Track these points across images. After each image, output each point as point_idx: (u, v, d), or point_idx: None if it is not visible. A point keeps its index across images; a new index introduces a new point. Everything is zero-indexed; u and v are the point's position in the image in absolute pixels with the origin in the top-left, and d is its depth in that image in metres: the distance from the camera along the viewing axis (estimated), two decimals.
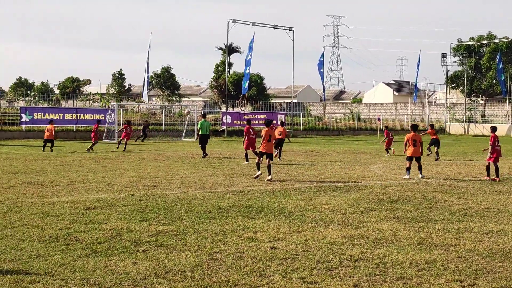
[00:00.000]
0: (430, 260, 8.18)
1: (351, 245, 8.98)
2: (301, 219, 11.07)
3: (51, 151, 27.55)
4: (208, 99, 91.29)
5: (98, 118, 35.94)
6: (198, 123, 27.75)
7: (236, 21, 50.31)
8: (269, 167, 17.27)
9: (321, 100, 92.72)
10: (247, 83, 51.29)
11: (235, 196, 13.77)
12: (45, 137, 28.61)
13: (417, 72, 69.18)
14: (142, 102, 60.86)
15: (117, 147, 31.02)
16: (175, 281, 7.11)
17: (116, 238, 9.15)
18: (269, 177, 17.03)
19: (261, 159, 17.68)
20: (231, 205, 12.49)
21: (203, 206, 12.31)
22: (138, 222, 10.42)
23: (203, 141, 25.99)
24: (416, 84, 71.31)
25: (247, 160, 22.36)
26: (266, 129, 17.95)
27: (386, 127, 32.49)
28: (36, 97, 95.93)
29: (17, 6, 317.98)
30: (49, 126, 28.72)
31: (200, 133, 26.44)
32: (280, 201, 13.10)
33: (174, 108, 63.54)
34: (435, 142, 27.14)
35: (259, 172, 17.46)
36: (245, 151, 22.57)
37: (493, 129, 19.08)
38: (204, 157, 24.95)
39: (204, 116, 28.15)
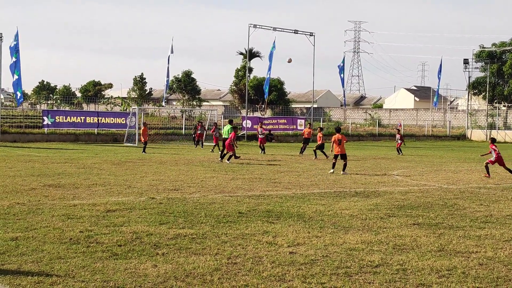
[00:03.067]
0: (450, 267, 8.12)
1: (371, 251, 8.93)
2: (321, 224, 11.04)
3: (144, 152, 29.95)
4: (229, 104, 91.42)
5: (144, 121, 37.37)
6: (223, 128, 28.67)
7: (257, 26, 50.39)
8: (344, 165, 21.11)
9: (341, 106, 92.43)
10: (267, 88, 51.29)
11: (254, 201, 13.77)
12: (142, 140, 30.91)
13: (439, 78, 68.61)
14: (163, 106, 61.16)
15: (201, 147, 36.13)
16: (194, 284, 7.13)
17: (136, 241, 9.20)
18: (342, 172, 20.74)
19: (336, 160, 21.23)
20: (250, 209, 12.50)
21: (223, 210, 12.33)
22: (158, 225, 10.46)
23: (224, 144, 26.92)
24: (437, 90, 70.80)
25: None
26: (336, 134, 21.60)
27: (398, 130, 37.33)
28: (58, 101, 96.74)
29: (40, 12, 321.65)
30: (143, 128, 31.21)
31: (224, 137, 27.39)
32: (300, 206, 13.08)
33: (194, 112, 63.74)
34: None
35: (332, 170, 20.98)
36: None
37: (493, 140, 21.67)
38: (229, 159, 25.57)
39: (230, 122, 29.18)
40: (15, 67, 39.03)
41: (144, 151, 30.45)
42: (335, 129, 23.52)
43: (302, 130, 53.42)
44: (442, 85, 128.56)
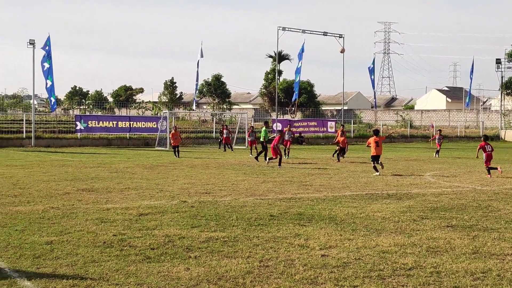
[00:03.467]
0: (485, 270, 8.00)
1: (404, 254, 8.86)
2: (353, 226, 10.98)
3: (178, 156, 29.88)
4: (258, 107, 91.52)
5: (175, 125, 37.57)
6: (262, 131, 28.86)
7: (286, 29, 50.35)
8: (381, 164, 21.89)
9: (372, 107, 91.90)
10: (297, 90, 51.24)
11: (286, 203, 13.76)
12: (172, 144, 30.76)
13: (471, 78, 67.79)
14: (193, 110, 61.49)
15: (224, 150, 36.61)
16: (226, 287, 7.15)
17: (169, 244, 9.26)
18: (377, 173, 21.21)
19: (375, 161, 21.81)
20: (282, 212, 12.49)
21: (254, 213, 12.34)
22: (190, 229, 10.52)
23: (264, 147, 27.61)
24: (469, 90, 69.94)
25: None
26: (374, 137, 22.23)
27: (440, 130, 36.18)
28: (91, 106, 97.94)
29: (72, 17, 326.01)
30: (173, 132, 31.07)
31: (261, 139, 28.06)
32: (331, 209, 13.03)
33: (224, 116, 63.97)
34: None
35: (378, 173, 21.26)
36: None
37: (485, 137, 22.38)
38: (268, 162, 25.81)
39: (265, 123, 29.96)
40: (48, 73, 39.65)
41: (177, 155, 30.09)
42: (373, 131, 23.40)
43: (333, 132, 53.34)
44: (474, 85, 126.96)
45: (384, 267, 8.09)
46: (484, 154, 21.31)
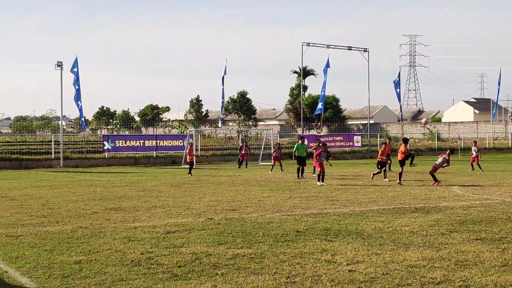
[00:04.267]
0: None
1: (433, 268, 8.77)
2: (380, 241, 10.91)
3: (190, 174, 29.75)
4: (284, 122, 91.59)
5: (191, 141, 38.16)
6: (294, 146, 28.59)
7: (310, 44, 50.49)
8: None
9: (398, 121, 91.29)
10: (320, 105, 51.19)
11: (312, 219, 13.72)
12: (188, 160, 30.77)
13: (498, 89, 67.03)
14: (219, 127, 61.76)
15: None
16: None
17: (196, 262, 9.29)
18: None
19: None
20: (308, 227, 12.46)
21: (281, 229, 12.33)
22: (217, 246, 10.54)
23: (300, 162, 27.18)
24: (496, 101, 69.16)
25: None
26: (404, 144, 23.57)
27: (475, 142, 35.16)
28: (118, 125, 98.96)
29: (99, 38, 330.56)
30: (190, 149, 31.31)
31: (296, 154, 27.51)
32: (358, 224, 12.96)
33: (250, 132, 64.10)
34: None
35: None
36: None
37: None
38: (300, 178, 25.81)
39: (301, 138, 29.44)
40: (78, 95, 40.18)
41: (190, 172, 29.97)
42: (403, 140, 24.26)
43: (359, 146, 53.09)
44: (502, 96, 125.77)
45: (412, 281, 8.02)
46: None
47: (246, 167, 36.95)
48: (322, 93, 52.22)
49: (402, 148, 23.80)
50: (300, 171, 26.95)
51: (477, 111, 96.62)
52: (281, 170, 32.19)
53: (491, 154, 55.84)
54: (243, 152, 37.77)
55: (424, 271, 8.56)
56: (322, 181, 22.92)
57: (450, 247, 10.26)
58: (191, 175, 29.51)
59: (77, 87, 39.94)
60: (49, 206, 16.70)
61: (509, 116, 78.67)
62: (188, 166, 30.73)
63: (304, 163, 27.41)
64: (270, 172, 31.59)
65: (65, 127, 65.18)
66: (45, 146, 43.39)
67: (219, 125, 56.70)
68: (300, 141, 28.71)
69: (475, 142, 35.43)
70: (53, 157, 39.84)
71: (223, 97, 48.57)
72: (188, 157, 31.06)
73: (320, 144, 26.15)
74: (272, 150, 35.88)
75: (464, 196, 18.61)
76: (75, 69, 39.86)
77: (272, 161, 33.70)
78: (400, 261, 9.24)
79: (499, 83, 66.81)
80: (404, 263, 9.10)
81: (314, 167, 29.82)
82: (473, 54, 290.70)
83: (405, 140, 23.60)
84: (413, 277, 8.26)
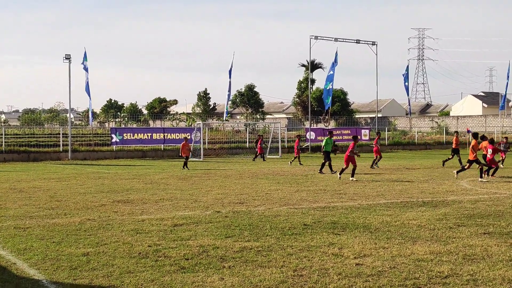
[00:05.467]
0: None
1: (440, 262, 8.75)
2: (388, 235, 10.89)
3: (185, 167, 29.32)
4: (292, 116, 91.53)
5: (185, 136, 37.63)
6: (323, 140, 27.85)
7: (318, 38, 50.35)
8: (480, 170, 21.67)
9: (406, 114, 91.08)
10: (330, 99, 51.03)
11: (319, 212, 13.72)
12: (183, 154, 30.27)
13: (507, 83, 66.66)
14: (227, 120, 61.76)
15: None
16: None
17: (203, 254, 9.31)
18: (480, 179, 21.23)
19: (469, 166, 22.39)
20: (315, 221, 12.46)
21: (288, 222, 12.33)
22: (224, 239, 10.56)
23: (328, 157, 26.32)
24: (505, 95, 68.79)
25: None
26: (474, 141, 22.21)
27: (506, 138, 33.34)
28: (126, 118, 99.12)
29: (107, 32, 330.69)
30: (184, 143, 30.66)
31: (324, 149, 26.79)
32: (366, 217, 12.95)
33: (258, 126, 64.09)
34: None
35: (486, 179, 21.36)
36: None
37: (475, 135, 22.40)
38: (333, 173, 25.09)
39: (330, 133, 28.74)
40: (87, 89, 40.46)
41: (184, 166, 29.59)
42: (481, 137, 23.06)
43: (366, 140, 52.98)
44: (511, 89, 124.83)
45: (419, 275, 8.01)
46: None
47: (264, 159, 37.28)
48: (328, 86, 51.81)
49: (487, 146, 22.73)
50: (329, 166, 26.01)
51: (485, 105, 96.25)
52: (300, 163, 32.31)
53: None
54: (260, 145, 37.88)
55: (431, 265, 8.54)
56: (352, 176, 22.05)
57: (457, 241, 10.23)
58: (187, 168, 29.12)
59: (86, 80, 40.10)
60: (57, 198, 16.77)
61: None
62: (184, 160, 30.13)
63: (330, 158, 26.41)
64: (300, 164, 31.74)
65: (73, 120, 65.41)
66: (53, 139, 43.56)
67: (224, 117, 56.58)
68: (329, 136, 27.96)
69: (506, 138, 33.49)
70: (61, 149, 39.97)
71: (229, 90, 48.52)
72: (181, 151, 30.43)
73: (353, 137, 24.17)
74: (295, 143, 35.13)
75: (472, 190, 18.55)
76: (85, 62, 39.97)
77: (296, 153, 33.25)
78: (408, 255, 9.22)
79: (508, 76, 66.43)
80: (411, 257, 9.08)
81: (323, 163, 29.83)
82: (482, 48, 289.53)
83: (491, 140, 22.30)
84: (420, 271, 8.24)
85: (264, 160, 37.11)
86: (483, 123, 75.74)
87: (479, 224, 12.03)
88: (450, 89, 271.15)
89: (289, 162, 33.00)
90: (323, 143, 27.57)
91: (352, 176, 22.13)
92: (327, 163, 26.03)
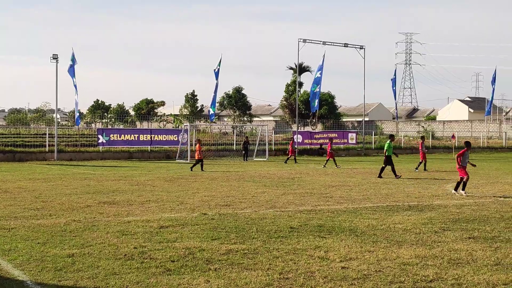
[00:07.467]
0: (507, 281, 7.92)
1: (425, 266, 8.79)
2: (373, 238, 10.93)
3: (202, 169, 29.13)
4: (279, 119, 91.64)
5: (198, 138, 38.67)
6: (385, 144, 26.63)
7: (307, 41, 50.42)
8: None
9: (393, 118, 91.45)
10: (316, 102, 51.09)
11: (306, 215, 13.73)
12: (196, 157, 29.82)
13: (493, 88, 67.02)
14: (214, 122, 61.68)
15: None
16: None
17: (189, 257, 9.29)
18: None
19: None
20: (302, 224, 12.47)
21: (274, 225, 12.34)
22: (210, 241, 10.54)
23: (390, 162, 25.65)
24: (491, 100, 69.17)
25: None
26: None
27: (423, 137, 34.79)
28: (113, 119, 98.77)
29: (95, 32, 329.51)
30: (197, 146, 30.21)
31: (387, 154, 25.92)
32: (352, 220, 12.98)
33: (245, 128, 64.08)
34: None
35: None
36: None
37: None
38: (398, 177, 24.70)
39: (391, 137, 28.04)
40: (75, 89, 40.28)
41: (202, 168, 29.36)
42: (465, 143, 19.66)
43: (353, 143, 53.18)
44: (497, 95, 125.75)
45: (405, 279, 8.04)
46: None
47: (247, 160, 39.62)
48: (316, 88, 51.82)
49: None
50: (392, 170, 25.35)
51: (472, 110, 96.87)
52: (337, 165, 32.63)
53: (485, 153, 56.01)
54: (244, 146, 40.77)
55: (416, 269, 8.58)
56: (463, 189, 18.53)
57: (443, 245, 10.29)
58: (204, 170, 29.01)
59: (74, 80, 39.94)
60: (43, 199, 16.67)
61: (504, 116, 78.89)
62: (196, 162, 29.79)
63: (391, 162, 25.73)
64: (337, 167, 32.08)
65: (59, 120, 65.09)
66: (39, 139, 43.27)
67: (211, 118, 56.28)
68: (390, 140, 27.00)
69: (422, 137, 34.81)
70: (47, 150, 39.76)
71: (215, 92, 48.30)
72: (196, 153, 29.86)
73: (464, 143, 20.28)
74: (328, 145, 34.79)
75: (457, 194, 18.62)
76: (73, 63, 39.78)
77: (329, 156, 33.15)
78: (393, 258, 9.26)
79: (494, 81, 66.86)
80: (397, 260, 9.12)
81: (327, 160, 29.93)
82: (469, 53, 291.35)
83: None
84: (405, 274, 8.28)
85: (245, 160, 39.06)
86: (469, 128, 76.22)
87: (464, 228, 12.10)
88: (437, 94, 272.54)
89: (284, 161, 33.62)
90: (385, 147, 26.31)
91: (463, 189, 18.53)
92: (386, 167, 25.42)
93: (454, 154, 47.67)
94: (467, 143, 19.49)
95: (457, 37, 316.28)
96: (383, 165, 25.71)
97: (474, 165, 20.22)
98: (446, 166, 34.38)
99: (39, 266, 8.64)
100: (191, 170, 29.08)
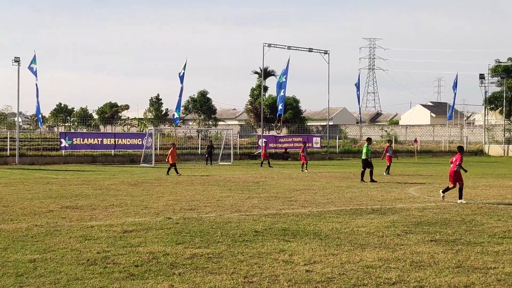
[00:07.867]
0: (468, 284, 8.06)
1: (388, 268, 8.89)
2: (337, 242, 11.01)
3: (177, 173, 28.95)
4: (244, 123, 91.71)
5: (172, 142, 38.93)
6: (364, 148, 26.25)
7: (272, 45, 50.60)
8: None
9: (357, 123, 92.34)
10: (281, 106, 51.29)
11: (270, 219, 13.77)
12: (170, 161, 29.32)
13: (455, 93, 68.23)
14: (179, 126, 61.43)
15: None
16: None
17: (153, 261, 9.23)
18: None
19: None
20: (266, 228, 12.50)
21: (239, 229, 12.34)
22: (175, 245, 10.50)
23: (369, 165, 25.38)
24: (453, 105, 70.43)
25: None
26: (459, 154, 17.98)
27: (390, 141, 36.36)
28: (76, 123, 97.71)
29: (56, 35, 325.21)
30: (171, 150, 29.71)
31: (364, 157, 25.61)
32: (316, 224, 13.06)
33: (210, 132, 63.95)
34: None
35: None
36: None
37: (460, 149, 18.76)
38: (363, 182, 24.78)
39: (368, 140, 27.70)
40: (36, 92, 39.74)
41: (177, 172, 29.12)
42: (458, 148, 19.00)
43: (317, 148, 53.51)
44: (459, 100, 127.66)
45: (368, 282, 8.12)
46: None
47: (208, 164, 40.44)
48: (281, 93, 52.05)
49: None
50: (370, 173, 25.33)
51: (433, 115, 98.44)
52: (306, 170, 32.82)
53: (447, 157, 56.87)
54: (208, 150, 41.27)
55: (379, 272, 8.67)
56: (443, 192, 18.37)
57: (405, 248, 10.41)
58: (179, 174, 28.87)
59: (36, 83, 39.41)
60: (4, 204, 16.39)
61: (465, 120, 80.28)
62: (170, 166, 29.43)
63: (371, 165, 25.44)
64: (305, 171, 32.52)
65: (21, 124, 64.10)
66: (0, 143, 42.54)
67: (175, 123, 56.04)
68: (367, 143, 26.69)
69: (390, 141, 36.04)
70: (8, 154, 39.12)
71: (180, 95, 48.14)
72: (169, 157, 29.38)
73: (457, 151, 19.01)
74: (301, 149, 34.88)
75: (420, 198, 18.91)
76: (34, 65, 39.24)
77: (303, 160, 33.63)
78: (357, 261, 9.34)
79: (455, 86, 68.05)
80: (360, 263, 9.20)
81: (303, 163, 30.29)
82: (431, 58, 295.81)
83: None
84: (369, 277, 8.36)
85: (210, 164, 39.69)
86: (431, 132, 77.38)
87: (426, 231, 12.27)
88: (400, 98, 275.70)
89: (301, 170, 33.13)
90: (364, 150, 25.93)
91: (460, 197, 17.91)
92: (368, 171, 25.31)
93: (416, 158, 48.41)
94: (460, 148, 18.99)
95: (419, 43, 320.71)
96: (362, 169, 25.55)
97: (466, 170, 19.36)
98: (409, 170, 34.85)
99: (0, 272, 8.49)
100: (167, 174, 28.98)
